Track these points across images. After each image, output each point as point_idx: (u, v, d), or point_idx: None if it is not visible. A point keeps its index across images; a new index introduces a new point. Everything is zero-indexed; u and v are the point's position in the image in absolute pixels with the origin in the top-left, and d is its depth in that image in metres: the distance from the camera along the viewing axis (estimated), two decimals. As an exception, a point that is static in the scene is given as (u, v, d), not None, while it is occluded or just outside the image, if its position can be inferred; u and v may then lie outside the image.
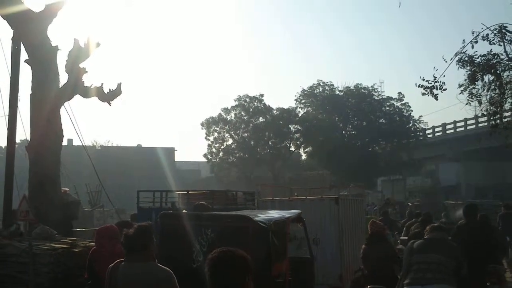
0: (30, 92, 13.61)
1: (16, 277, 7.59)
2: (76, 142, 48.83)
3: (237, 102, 51.18)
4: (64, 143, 14.47)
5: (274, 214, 7.18)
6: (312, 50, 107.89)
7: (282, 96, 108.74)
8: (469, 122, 44.02)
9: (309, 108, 50.41)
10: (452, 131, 47.85)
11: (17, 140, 13.74)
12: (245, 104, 50.97)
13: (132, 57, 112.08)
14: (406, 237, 11.73)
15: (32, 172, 13.28)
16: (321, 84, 49.93)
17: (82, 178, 32.48)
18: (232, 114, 51.40)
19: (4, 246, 8.18)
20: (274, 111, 50.17)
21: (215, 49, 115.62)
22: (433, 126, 50.47)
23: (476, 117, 38.21)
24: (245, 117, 50.69)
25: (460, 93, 11.98)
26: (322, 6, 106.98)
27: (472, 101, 11.97)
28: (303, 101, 50.45)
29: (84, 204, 24.13)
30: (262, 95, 51.00)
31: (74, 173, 34.02)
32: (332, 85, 49.82)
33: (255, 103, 50.77)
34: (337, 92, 49.55)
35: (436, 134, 50.35)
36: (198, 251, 6.10)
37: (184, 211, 7.88)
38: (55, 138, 13.54)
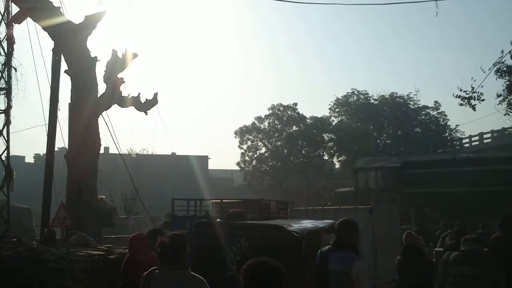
0: (69, 102, 13.93)
1: (53, 283, 7.74)
2: (112, 150, 49.67)
3: (270, 111, 51.27)
4: (101, 151, 14.74)
5: (308, 223, 7.15)
6: (346, 59, 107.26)
7: (316, 105, 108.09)
8: (507, 132, 43.01)
9: (343, 117, 50.14)
10: (489, 140, 46.82)
11: (56, 148, 14.07)
12: (279, 112, 51.00)
13: (167, 66, 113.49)
14: (441, 249, 11.54)
15: (70, 180, 13.55)
16: (356, 92, 49.67)
17: (117, 185, 33.03)
18: (266, 123, 51.50)
19: (42, 252, 8.35)
20: (308, 120, 50.04)
21: (250, 58, 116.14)
22: (470, 136, 49.45)
23: (514, 126, 37.35)
24: (278, 126, 50.70)
25: (499, 103, 11.80)
26: (354, 16, 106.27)
27: (511, 112, 11.76)
28: (337, 109, 50.23)
29: (119, 211, 24.50)
30: (295, 104, 51.00)
31: (109, 180, 34.60)
32: (367, 93, 49.53)
33: (289, 112, 50.75)
34: (372, 101, 49.16)
35: (473, 144, 49.32)
36: (231, 259, 6.12)
37: (218, 219, 7.93)
38: (92, 147, 13.80)
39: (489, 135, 46.45)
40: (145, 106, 14.96)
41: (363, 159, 30.38)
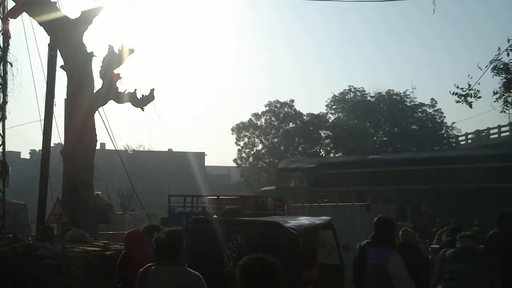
0: (65, 98, 13.87)
1: (49, 279, 7.72)
2: (109, 146, 49.58)
3: (267, 108, 51.28)
4: (97, 147, 14.70)
5: (304, 220, 7.15)
6: (343, 56, 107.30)
7: (312, 102, 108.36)
8: (503, 129, 43.09)
9: (340, 114, 50.18)
10: (484, 137, 46.91)
11: (51, 144, 14.02)
12: (276, 109, 51.00)
13: (165, 63, 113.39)
14: (437, 245, 11.57)
15: (66, 176, 13.51)
16: (352, 90, 49.72)
17: (113, 181, 32.96)
18: (263, 120, 51.51)
19: (37, 248, 8.32)
20: (305, 117, 50.05)
21: (247, 55, 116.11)
22: (466, 133, 49.59)
23: (510, 124, 37.47)
24: (275, 123, 50.71)
25: (495, 100, 11.81)
26: (351, 13, 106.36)
27: (508, 109, 11.78)
28: (334, 106, 50.26)
29: (116, 208, 24.46)
30: (292, 101, 51.03)
31: (106, 177, 34.61)
32: (364, 91, 49.56)
33: (286, 109, 50.76)
34: (369, 98, 49.20)
35: (470, 141, 49.43)
36: (228, 256, 6.12)
37: (214, 216, 7.92)
38: (89, 143, 13.75)
39: (485, 132, 46.55)
40: (141, 102, 14.90)
41: (286, 160, 32.50)
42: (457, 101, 11.08)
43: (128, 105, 14.94)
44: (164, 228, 5.30)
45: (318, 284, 6.57)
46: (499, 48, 11.11)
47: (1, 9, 11.59)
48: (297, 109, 50.81)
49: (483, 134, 44.40)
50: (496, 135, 44.58)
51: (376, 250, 5.61)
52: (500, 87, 11.71)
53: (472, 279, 6.03)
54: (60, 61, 13.62)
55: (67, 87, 13.85)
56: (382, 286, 5.38)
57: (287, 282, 3.31)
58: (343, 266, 8.34)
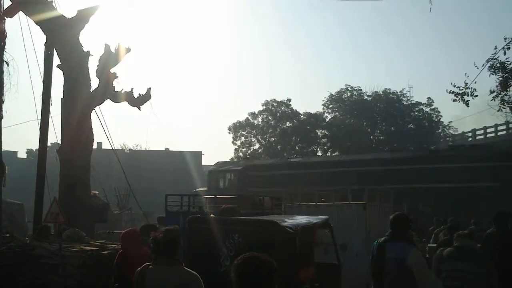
0: (62, 97, 13.86)
1: (46, 279, 7.71)
2: (105, 146, 49.45)
3: (264, 107, 51.26)
4: (94, 146, 14.68)
5: (301, 219, 7.16)
6: (340, 55, 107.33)
7: (309, 101, 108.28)
8: (499, 128, 43.21)
9: (337, 113, 50.18)
10: (482, 137, 47.01)
11: (48, 143, 14.00)
12: (272, 108, 51.00)
13: (162, 62, 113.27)
14: (434, 244, 11.59)
15: (62, 175, 13.50)
16: (349, 89, 49.70)
17: (110, 181, 32.93)
18: (259, 119, 51.49)
19: (34, 247, 8.31)
20: (301, 116, 50.04)
21: (244, 54, 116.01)
22: (463, 132, 49.69)
23: (507, 123, 37.59)
24: (272, 122, 50.70)
25: (492, 99, 11.82)
26: (348, 12, 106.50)
27: (504, 108, 11.80)
28: (330, 106, 50.26)
29: (113, 207, 24.44)
30: (289, 100, 51.01)
31: (103, 176, 34.55)
32: (360, 90, 49.58)
33: (282, 108, 50.76)
34: (365, 97, 49.21)
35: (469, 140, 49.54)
36: (225, 255, 6.12)
37: (211, 215, 7.92)
38: (85, 142, 13.75)
39: (481, 131, 46.68)
40: (138, 101, 14.90)
41: (218, 163, 33.71)
42: (454, 100, 11.08)
43: (124, 104, 14.94)
44: (161, 227, 5.30)
45: (315, 283, 6.58)
46: (495, 46, 11.10)
47: (-3, 8, 11.55)
48: (294, 108, 50.83)
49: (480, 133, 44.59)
50: (493, 134, 44.71)
51: (395, 245, 5.75)
52: (496, 86, 11.72)
53: (470, 278, 6.04)
54: (56, 60, 13.62)
55: (63, 86, 13.84)
56: (403, 279, 5.50)
57: (284, 281, 3.32)
58: (340, 265, 8.35)
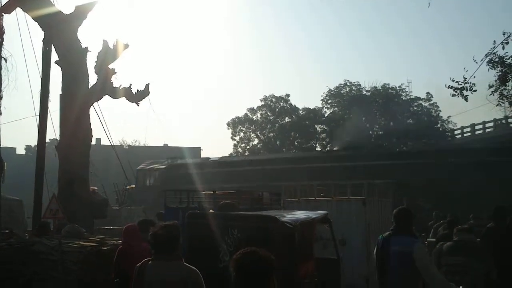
0: (60, 93, 13.83)
1: (46, 275, 7.70)
2: (104, 142, 49.42)
3: (263, 102, 51.26)
4: (93, 142, 14.67)
5: (300, 214, 7.15)
6: (338, 50, 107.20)
7: (308, 96, 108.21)
8: (498, 123, 43.21)
9: (336, 108, 50.15)
10: (481, 131, 47.01)
11: (47, 140, 13.98)
12: (271, 104, 51.00)
13: (160, 57, 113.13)
14: (433, 239, 11.61)
15: (61, 171, 13.49)
16: (348, 84, 49.67)
17: (109, 177, 33.00)
18: (258, 114, 51.51)
19: (34, 243, 8.30)
20: (300, 111, 50.06)
21: (243, 49, 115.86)
22: (462, 127, 49.69)
23: (506, 117, 37.63)
24: (271, 117, 50.71)
25: (491, 94, 11.83)
26: (346, 7, 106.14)
27: (503, 102, 11.81)
28: (329, 101, 50.22)
29: (112, 203, 24.47)
30: (288, 95, 51.02)
31: (101, 172, 34.61)
32: (359, 85, 49.52)
33: (281, 103, 50.76)
34: (364, 92, 49.18)
35: (465, 135, 49.53)
36: (224, 251, 6.12)
37: (211, 210, 7.92)
38: (84, 138, 13.73)
39: (480, 126, 46.68)
40: (136, 97, 14.87)
41: (146, 162, 35.53)
42: (453, 95, 11.09)
43: (123, 100, 14.92)
44: (159, 223, 5.30)
45: (314, 278, 6.59)
46: (494, 41, 11.11)
47: (-5, 4, 11.52)
48: (293, 104, 50.87)
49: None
50: (492, 129, 44.73)
51: (399, 239, 5.79)
52: (495, 81, 11.73)
53: (469, 271, 6.07)
54: (54, 56, 13.59)
55: (62, 82, 13.81)
56: (407, 273, 5.53)
57: (283, 276, 3.32)
58: (340, 260, 8.36)
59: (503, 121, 40.89)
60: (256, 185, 23.32)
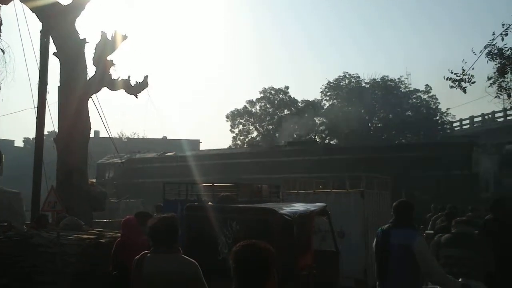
0: (59, 85, 13.78)
1: (44, 267, 7.70)
2: (103, 134, 49.45)
3: (262, 95, 51.20)
4: (91, 135, 14.64)
5: (299, 207, 7.15)
6: (337, 43, 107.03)
7: (307, 88, 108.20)
8: (497, 115, 43.24)
9: (335, 101, 50.13)
10: (480, 124, 47.04)
11: (45, 132, 13.96)
12: (270, 96, 50.95)
13: (159, 50, 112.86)
14: (432, 231, 11.62)
15: (59, 164, 13.46)
16: (347, 76, 49.63)
17: (108, 169, 33.07)
18: (257, 107, 51.48)
19: (32, 236, 8.29)
20: (299, 104, 49.98)
21: (241, 41, 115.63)
22: (461, 119, 49.72)
23: (504, 109, 37.62)
24: (270, 110, 50.66)
25: (489, 86, 11.79)
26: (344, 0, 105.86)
27: (502, 94, 11.77)
28: (328, 93, 50.19)
29: (110, 196, 24.46)
30: (287, 88, 50.98)
31: (100, 164, 34.65)
32: (358, 77, 49.50)
33: (280, 96, 50.72)
34: (363, 84, 49.13)
35: (464, 127, 49.58)
36: (223, 243, 6.12)
37: (209, 203, 7.91)
38: (82, 130, 13.70)
39: (479, 118, 46.71)
40: (135, 89, 14.83)
41: (107, 156, 36.27)
42: (451, 86, 11.03)
43: (122, 92, 14.88)
44: (158, 215, 5.29)
45: (313, 270, 6.60)
46: (493, 33, 11.04)
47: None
48: (292, 96, 50.83)
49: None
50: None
51: (399, 231, 5.77)
52: (494, 72, 11.68)
53: (467, 263, 6.06)
54: (52, 48, 13.53)
55: (60, 74, 13.75)
56: (407, 265, 5.53)
57: (282, 268, 3.31)
58: (338, 252, 8.37)
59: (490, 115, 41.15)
60: (217, 177, 23.42)
